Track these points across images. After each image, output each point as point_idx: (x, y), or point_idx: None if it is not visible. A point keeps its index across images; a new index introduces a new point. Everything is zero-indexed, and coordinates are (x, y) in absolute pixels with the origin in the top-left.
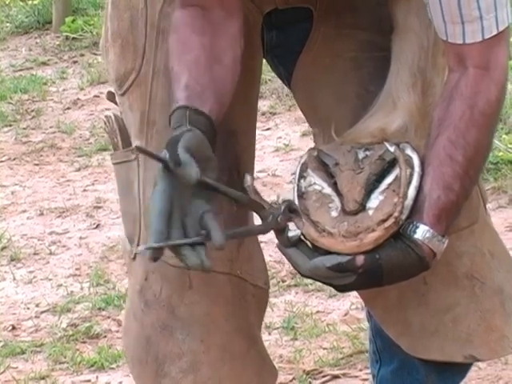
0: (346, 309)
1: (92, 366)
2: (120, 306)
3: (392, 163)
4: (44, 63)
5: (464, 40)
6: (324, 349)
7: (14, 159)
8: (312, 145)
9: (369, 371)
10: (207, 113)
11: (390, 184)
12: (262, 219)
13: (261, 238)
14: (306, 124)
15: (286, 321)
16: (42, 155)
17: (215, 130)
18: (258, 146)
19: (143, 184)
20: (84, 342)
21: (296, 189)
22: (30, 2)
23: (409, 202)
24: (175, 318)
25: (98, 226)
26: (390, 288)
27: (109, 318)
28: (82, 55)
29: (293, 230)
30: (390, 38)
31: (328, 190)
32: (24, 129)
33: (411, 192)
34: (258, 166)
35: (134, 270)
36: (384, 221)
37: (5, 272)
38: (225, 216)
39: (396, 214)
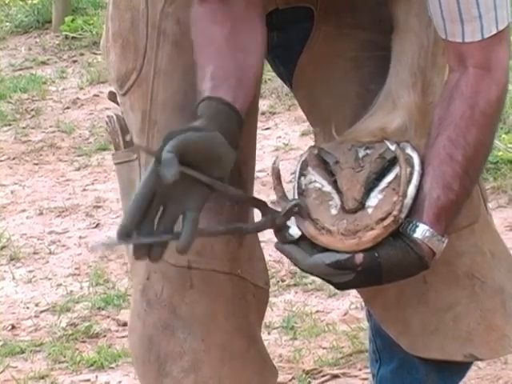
0: (346, 308)
1: (91, 365)
2: (119, 306)
3: (392, 162)
4: (43, 62)
5: (463, 39)
6: (323, 348)
7: (14, 158)
8: (312, 144)
9: (368, 371)
10: (232, 101)
11: (389, 183)
12: (263, 216)
13: (261, 237)
14: (306, 123)
15: (286, 320)
16: (41, 154)
17: (241, 118)
18: (257, 146)
19: None
20: (83, 342)
21: (296, 186)
22: (30, 2)
23: (408, 200)
24: (176, 317)
25: (97, 226)
26: (390, 287)
27: (108, 317)
28: (82, 54)
29: (292, 227)
30: (390, 37)
31: (328, 187)
32: (23, 128)
33: (411, 191)
34: (257, 166)
35: (137, 270)
36: (383, 219)
37: (4, 271)
38: (225, 215)
39: (395, 213)
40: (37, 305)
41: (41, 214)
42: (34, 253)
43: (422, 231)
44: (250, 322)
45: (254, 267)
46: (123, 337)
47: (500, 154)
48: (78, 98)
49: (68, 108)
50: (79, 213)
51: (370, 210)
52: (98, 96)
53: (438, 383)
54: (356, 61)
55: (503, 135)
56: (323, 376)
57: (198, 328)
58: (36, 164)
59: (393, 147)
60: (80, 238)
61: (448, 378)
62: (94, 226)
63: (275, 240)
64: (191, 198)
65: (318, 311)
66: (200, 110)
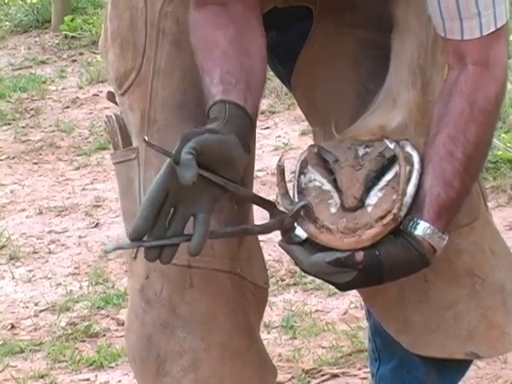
0: (345, 308)
1: (91, 364)
2: (119, 305)
3: (392, 160)
4: (43, 62)
5: (462, 36)
6: (323, 348)
7: (13, 158)
8: (311, 143)
9: (368, 370)
10: (243, 104)
11: (389, 181)
12: (271, 217)
13: (260, 237)
14: (305, 123)
15: (285, 320)
16: (41, 154)
17: (253, 121)
18: (257, 145)
19: (143, 183)
20: (83, 341)
21: (296, 185)
22: (29, 1)
23: (407, 199)
24: (176, 316)
25: (97, 225)
26: (390, 286)
27: (108, 316)
28: (81, 54)
29: (299, 228)
30: (389, 36)
31: (328, 186)
32: (23, 127)
33: (410, 189)
34: (257, 165)
35: (135, 269)
36: (382, 217)
37: (4, 271)
38: (225, 215)
39: (394, 211)
40: (36, 304)
41: (40, 213)
42: (34, 252)
43: (422, 228)
44: (249, 321)
45: (253, 266)
46: (123, 336)
47: (499, 153)
48: (77, 98)
49: (67, 107)
50: (79, 212)
51: (369, 209)
52: (97, 95)
53: (438, 382)
54: (355, 60)
55: (503, 134)
56: (323, 375)
57: (198, 327)
58: (35, 163)
59: (392, 145)
60: (79, 237)
61: (448, 377)
62: (94, 225)
63: (275, 239)
64: (203, 199)
65: (317, 310)
66: (213, 113)
